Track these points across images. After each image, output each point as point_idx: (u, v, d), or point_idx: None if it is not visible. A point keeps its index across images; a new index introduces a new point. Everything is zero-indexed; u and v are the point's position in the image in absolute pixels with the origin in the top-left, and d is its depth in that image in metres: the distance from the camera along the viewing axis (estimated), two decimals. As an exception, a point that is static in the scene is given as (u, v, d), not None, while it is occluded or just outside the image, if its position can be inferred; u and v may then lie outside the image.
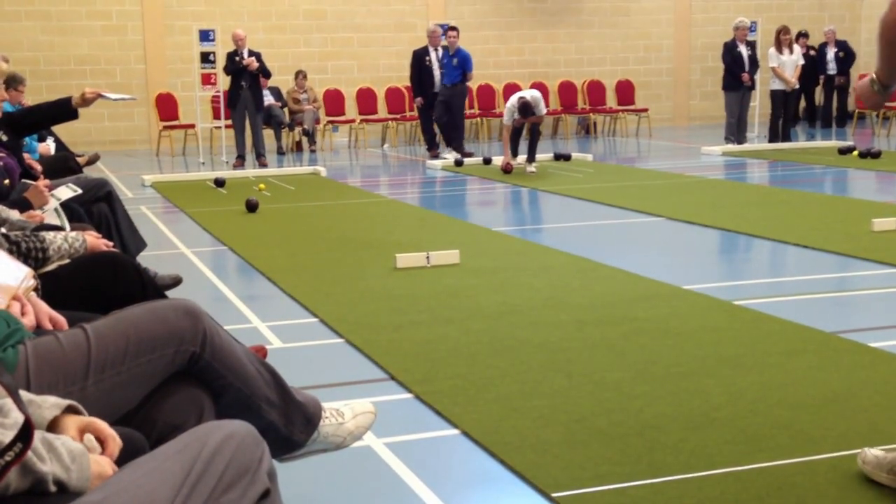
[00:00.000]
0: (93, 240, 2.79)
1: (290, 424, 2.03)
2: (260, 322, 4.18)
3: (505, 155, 9.89)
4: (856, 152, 10.09)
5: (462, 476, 2.56)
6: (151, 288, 2.64)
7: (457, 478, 2.55)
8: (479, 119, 14.40)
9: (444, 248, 5.34)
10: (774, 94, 11.77)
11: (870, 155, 9.81)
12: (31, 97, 9.58)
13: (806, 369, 3.23)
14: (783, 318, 3.87)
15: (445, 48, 11.41)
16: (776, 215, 6.64)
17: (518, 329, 3.86)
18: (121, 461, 1.39)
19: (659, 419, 2.81)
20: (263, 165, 10.76)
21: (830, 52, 14.14)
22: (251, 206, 7.35)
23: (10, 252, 2.44)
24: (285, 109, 12.89)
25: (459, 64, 11.29)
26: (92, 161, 8.01)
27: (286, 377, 2.05)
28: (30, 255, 2.55)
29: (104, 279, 2.58)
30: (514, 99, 9.76)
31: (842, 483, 2.36)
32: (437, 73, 11.53)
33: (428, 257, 5.16)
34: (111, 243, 2.96)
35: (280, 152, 12.60)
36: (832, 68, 14.14)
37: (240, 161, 10.90)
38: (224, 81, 11.22)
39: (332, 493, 2.49)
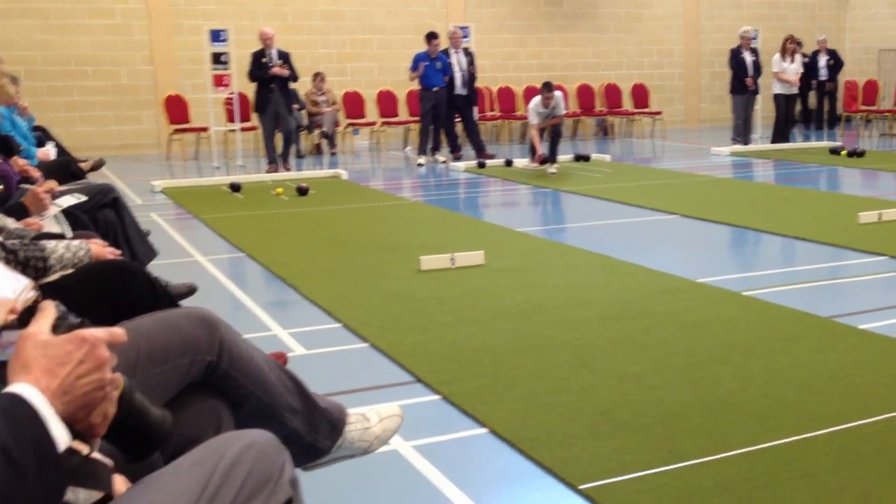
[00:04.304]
0: (98, 248, 2.78)
1: (314, 431, 2.09)
2: (281, 329, 4.31)
3: (537, 148, 10.42)
4: (844, 152, 11.47)
5: (490, 474, 2.70)
6: (163, 297, 2.64)
7: (485, 476, 2.69)
8: (499, 121, 14.89)
9: (468, 250, 5.51)
10: (777, 98, 13.07)
11: (856, 154, 11.27)
12: (29, 98, 9.70)
13: (807, 352, 3.66)
14: (786, 306, 4.37)
15: (442, 52, 11.78)
16: (778, 211, 7.39)
17: (543, 327, 4.08)
18: (135, 477, 1.39)
19: (678, 407, 3.08)
20: (286, 170, 10.82)
21: (822, 60, 15.44)
22: (302, 191, 8.74)
23: (7, 262, 2.44)
24: (304, 112, 12.95)
25: (442, 68, 11.73)
26: (96, 167, 8.01)
27: (310, 384, 2.13)
28: (28, 264, 2.54)
29: (112, 289, 2.57)
30: (536, 100, 10.29)
31: (837, 454, 2.69)
32: (457, 75, 11.83)
33: (452, 259, 5.32)
34: (118, 251, 2.94)
35: (299, 155, 12.67)
36: (823, 74, 15.48)
37: (273, 168, 10.90)
38: (239, 83, 11.28)
39: (360, 499, 2.61)
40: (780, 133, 13.08)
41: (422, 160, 11.71)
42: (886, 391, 3.17)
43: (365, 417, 2.19)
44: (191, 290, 4.32)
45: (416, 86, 11.92)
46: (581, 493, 2.49)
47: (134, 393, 1.29)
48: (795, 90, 13.12)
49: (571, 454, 2.72)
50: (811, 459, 2.64)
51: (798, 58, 13.13)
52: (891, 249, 5.64)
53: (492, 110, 14.76)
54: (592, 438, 2.83)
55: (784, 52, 12.92)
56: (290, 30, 13.87)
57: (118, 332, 1.27)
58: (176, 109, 13.18)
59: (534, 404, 3.13)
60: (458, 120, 12.13)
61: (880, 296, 4.67)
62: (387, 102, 14.30)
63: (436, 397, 3.27)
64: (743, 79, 12.69)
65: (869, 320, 4.10)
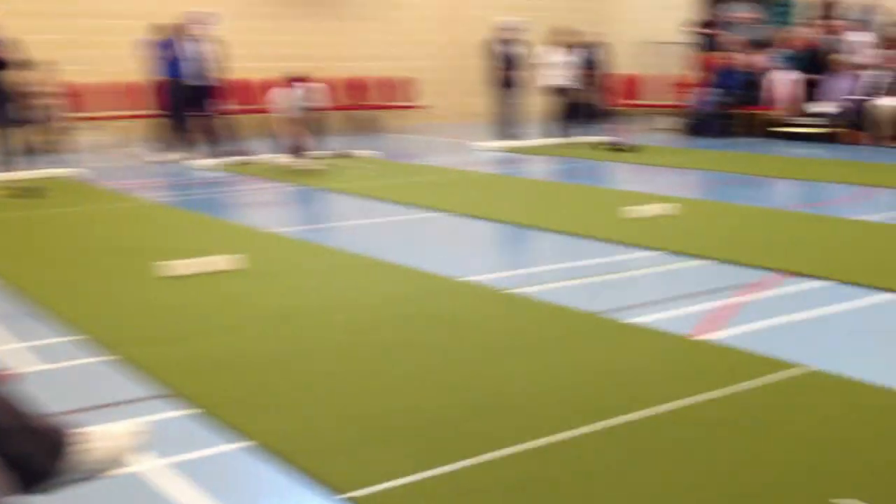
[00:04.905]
0: None
1: (32, 453, 1.98)
2: (8, 344, 4.01)
3: (290, 142, 10.47)
4: (610, 146, 12.12)
5: (253, 488, 2.65)
6: None
7: (248, 491, 2.64)
8: (244, 115, 14.29)
9: (220, 253, 5.37)
10: (552, 91, 13.54)
11: (620, 149, 11.86)
12: None
13: (578, 349, 3.80)
14: (556, 303, 4.51)
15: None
16: (545, 206, 7.68)
17: (306, 332, 4.06)
18: None
19: (448, 409, 3.14)
20: (9, 171, 9.96)
21: (586, 53, 16.53)
22: (24, 193, 8.20)
23: None
24: (17, 105, 11.94)
25: (174, 57, 11.50)
26: None
27: (47, 402, 2.00)
28: None
29: None
30: (286, 91, 10.35)
31: (610, 449, 2.79)
32: (191, 64, 11.51)
33: (204, 263, 5.15)
34: None
35: (10, 154, 11.63)
36: (588, 67, 16.53)
37: None
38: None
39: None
40: (564, 124, 13.48)
41: (155, 157, 11.25)
42: (658, 384, 3.31)
43: (95, 436, 2.11)
44: None
45: (147, 75, 11.39)
46: (348, 501, 2.49)
47: None
48: (568, 83, 13.53)
49: (338, 462, 2.72)
50: (581, 456, 2.74)
51: (566, 51, 13.57)
52: (657, 243, 5.89)
53: (236, 103, 14.04)
54: (359, 445, 2.84)
55: (550, 44, 13.35)
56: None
57: None
58: None
59: (298, 414, 3.10)
60: (197, 114, 11.64)
61: (649, 290, 4.87)
62: (113, 95, 13.58)
63: (192, 411, 3.17)
64: (503, 72, 12.86)
65: (638, 314, 4.28)
